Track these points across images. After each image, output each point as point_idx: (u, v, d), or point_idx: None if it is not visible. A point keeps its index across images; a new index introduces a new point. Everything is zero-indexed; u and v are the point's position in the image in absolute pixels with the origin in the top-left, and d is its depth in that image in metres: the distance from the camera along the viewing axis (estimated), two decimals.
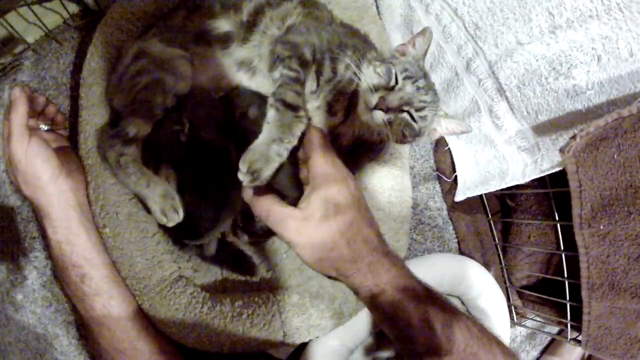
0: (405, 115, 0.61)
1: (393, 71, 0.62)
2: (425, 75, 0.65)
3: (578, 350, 1.05)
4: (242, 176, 0.57)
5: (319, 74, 0.64)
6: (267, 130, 0.59)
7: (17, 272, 0.73)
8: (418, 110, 0.62)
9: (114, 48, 0.68)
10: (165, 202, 0.63)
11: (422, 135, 0.65)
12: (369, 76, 0.62)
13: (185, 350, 0.68)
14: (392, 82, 0.61)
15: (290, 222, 0.53)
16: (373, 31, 0.78)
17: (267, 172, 0.57)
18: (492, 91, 0.73)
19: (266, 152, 0.57)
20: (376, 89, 0.61)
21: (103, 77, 0.67)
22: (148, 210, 0.65)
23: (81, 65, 0.68)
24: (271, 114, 0.59)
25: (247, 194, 0.58)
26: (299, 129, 0.59)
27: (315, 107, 0.68)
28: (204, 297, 0.67)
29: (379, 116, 0.60)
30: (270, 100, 0.60)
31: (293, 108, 0.59)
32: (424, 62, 0.68)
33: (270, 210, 0.54)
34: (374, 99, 0.60)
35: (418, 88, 0.62)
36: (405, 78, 0.62)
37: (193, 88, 0.66)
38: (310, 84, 0.65)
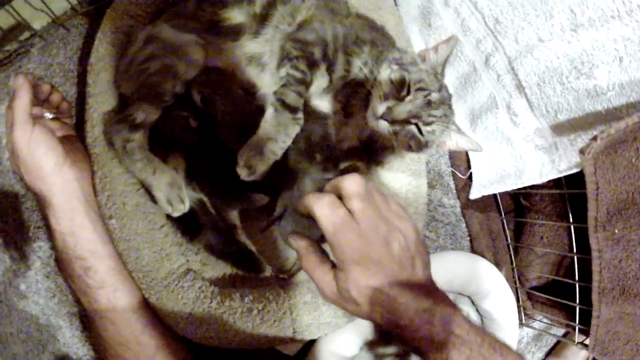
0: (412, 127, 0.60)
1: (407, 80, 0.60)
2: (441, 88, 0.64)
3: (582, 354, 1.05)
4: (239, 169, 0.58)
5: (330, 71, 0.63)
6: (263, 129, 0.59)
7: (21, 261, 0.71)
8: (426, 124, 0.60)
9: (122, 34, 0.66)
10: (172, 191, 0.62)
11: (430, 147, 0.64)
12: (383, 80, 0.61)
13: (192, 345, 0.67)
14: (404, 93, 0.60)
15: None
16: (390, 22, 0.76)
17: (262, 168, 0.59)
18: (511, 87, 0.71)
19: (261, 149, 0.58)
20: (386, 97, 0.60)
21: (111, 64, 0.65)
22: (154, 199, 0.63)
23: (89, 51, 0.66)
24: (269, 112, 0.60)
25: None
26: (294, 130, 0.60)
27: (331, 110, 0.66)
28: (212, 292, 0.66)
29: (384, 126, 0.60)
30: (271, 99, 0.60)
31: (292, 109, 0.59)
32: (443, 68, 0.66)
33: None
34: (381, 109, 0.59)
35: (429, 102, 0.60)
36: (417, 89, 0.60)
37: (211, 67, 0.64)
38: (322, 82, 0.64)
